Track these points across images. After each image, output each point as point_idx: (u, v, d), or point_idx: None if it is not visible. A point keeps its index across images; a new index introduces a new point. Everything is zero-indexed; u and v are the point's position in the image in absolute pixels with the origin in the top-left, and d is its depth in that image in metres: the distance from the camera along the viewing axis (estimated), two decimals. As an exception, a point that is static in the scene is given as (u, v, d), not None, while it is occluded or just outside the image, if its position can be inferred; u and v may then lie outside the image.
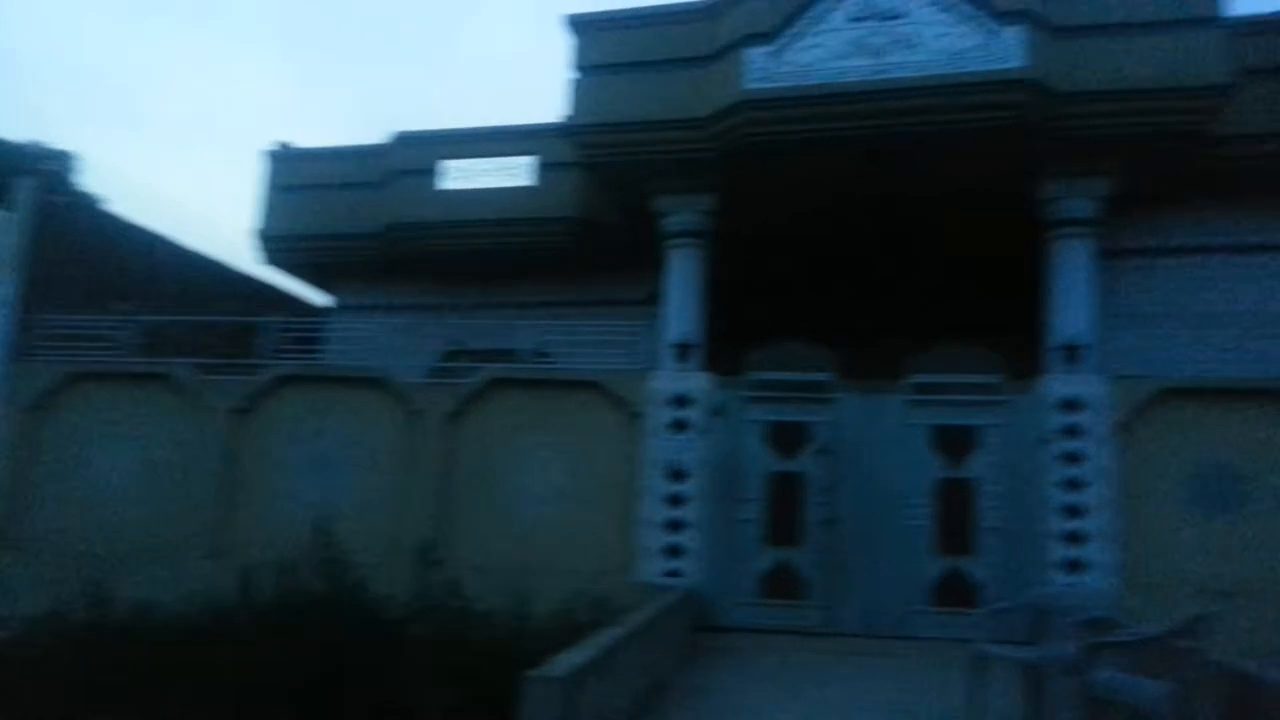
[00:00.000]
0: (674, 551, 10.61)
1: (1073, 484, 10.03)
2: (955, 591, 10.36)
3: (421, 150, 14.45)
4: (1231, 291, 11.53)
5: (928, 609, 10.37)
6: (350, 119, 63.27)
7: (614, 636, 6.46)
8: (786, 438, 11.04)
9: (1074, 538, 9.93)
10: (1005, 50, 10.10)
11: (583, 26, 11.84)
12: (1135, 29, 10.28)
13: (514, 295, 14.76)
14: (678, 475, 10.81)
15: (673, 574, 10.51)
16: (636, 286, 13.94)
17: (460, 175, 14.24)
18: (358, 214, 14.75)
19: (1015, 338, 11.09)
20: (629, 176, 11.86)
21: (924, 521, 10.57)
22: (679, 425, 10.98)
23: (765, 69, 10.67)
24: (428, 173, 14.34)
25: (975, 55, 10.18)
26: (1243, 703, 6.07)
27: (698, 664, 8.98)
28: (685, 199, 11.80)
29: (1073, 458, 10.09)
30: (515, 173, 14.00)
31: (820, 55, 10.58)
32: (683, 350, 11.32)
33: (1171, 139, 10.39)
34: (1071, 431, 10.15)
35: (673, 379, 11.22)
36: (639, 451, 11.01)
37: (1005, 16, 10.14)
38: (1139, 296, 11.69)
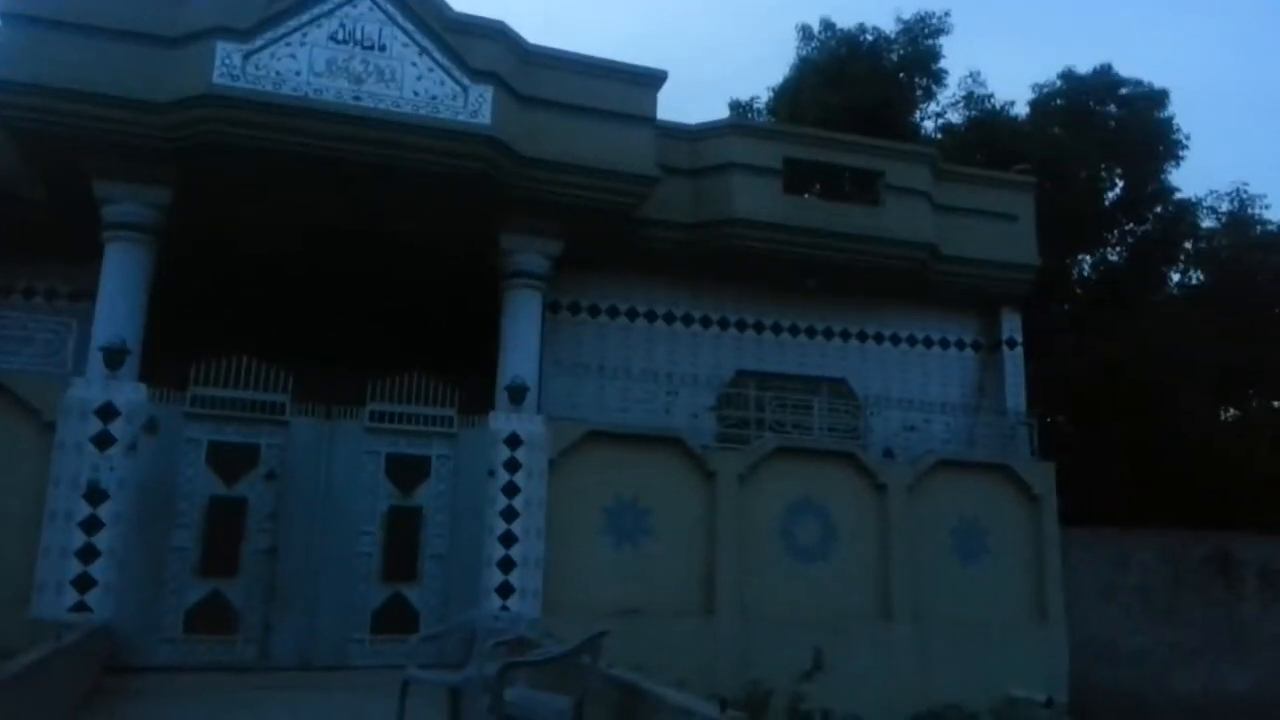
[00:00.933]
0: (85, 583, 9.40)
1: (511, 514, 10.91)
2: (397, 619, 10.58)
3: None
4: (648, 352, 13.54)
5: (368, 638, 10.45)
6: None
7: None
8: (231, 460, 10.44)
9: (508, 564, 10.78)
10: (476, 105, 10.82)
11: (17, -32, 10.12)
12: (586, 113, 11.68)
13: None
14: (96, 497, 9.62)
15: (82, 608, 9.30)
16: (64, 277, 12.15)
17: None
18: None
19: (473, 375, 11.77)
20: (63, 151, 10.35)
21: (371, 549, 10.67)
22: (102, 440, 9.80)
23: (236, 68, 10.13)
24: None
25: (449, 104, 10.75)
26: (631, 711, 7.07)
27: (100, 711, 7.98)
28: (132, 188, 10.62)
29: (512, 489, 10.98)
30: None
31: (297, 67, 10.34)
32: (114, 356, 10.11)
33: (608, 214, 11.92)
34: (513, 465, 11.05)
35: (99, 387, 10.00)
36: (49, 468, 9.59)
37: (478, 74, 10.88)
38: (576, 348, 13.19)
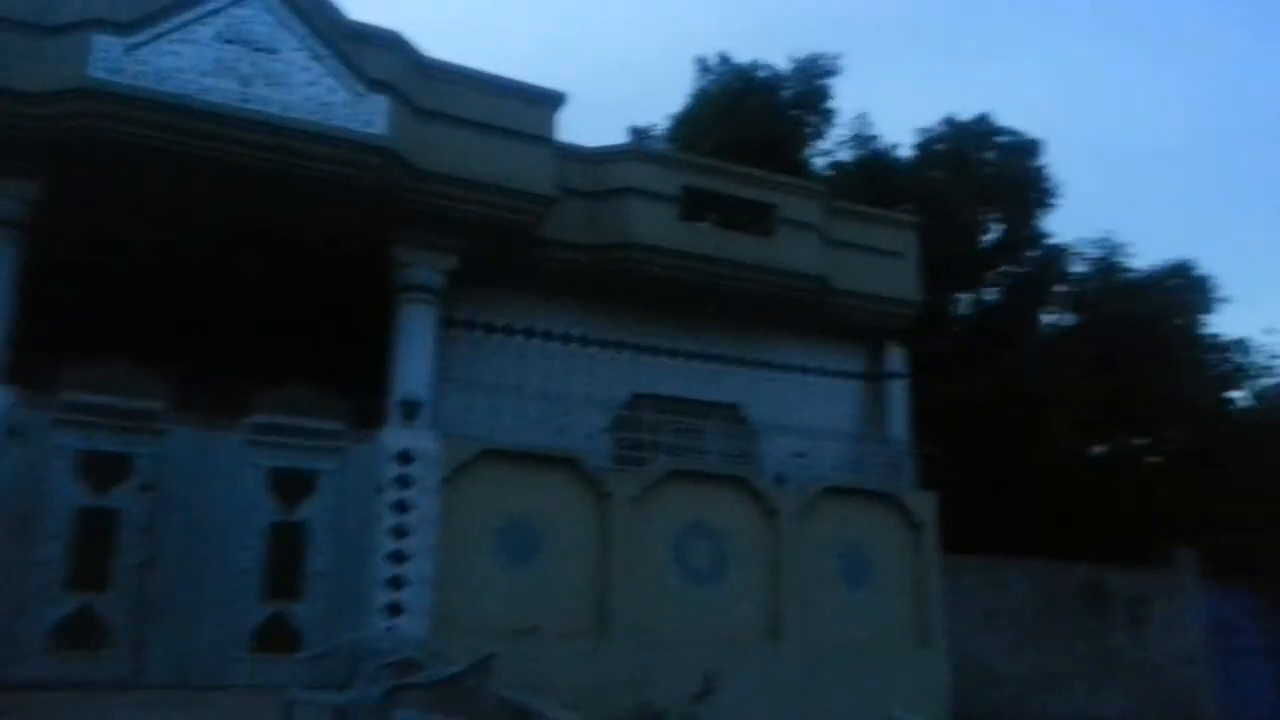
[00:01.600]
0: (-67, 599, 8.70)
1: (400, 532, 10.61)
2: (279, 637, 10.16)
3: None
4: (545, 371, 13.42)
5: (248, 655, 10.01)
6: None
7: None
8: (103, 469, 9.91)
9: (396, 582, 10.47)
10: (370, 114, 10.65)
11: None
12: (484, 129, 11.64)
13: None
14: (-51, 507, 8.94)
15: (-72, 626, 8.59)
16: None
17: None
18: None
19: (363, 388, 11.44)
20: (-77, 138, 9.72)
21: (252, 565, 10.25)
22: (-41, 446, 9.14)
23: (116, 61, 9.72)
24: None
25: (342, 111, 10.55)
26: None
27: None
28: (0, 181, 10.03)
29: (402, 506, 10.69)
30: None
31: (181, 65, 9.99)
32: (-25, 358, 9.47)
33: (504, 232, 11.86)
34: (403, 482, 10.77)
35: (-43, 391, 9.32)
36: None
37: (373, 84, 10.72)
38: (472, 365, 12.96)
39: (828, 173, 21.55)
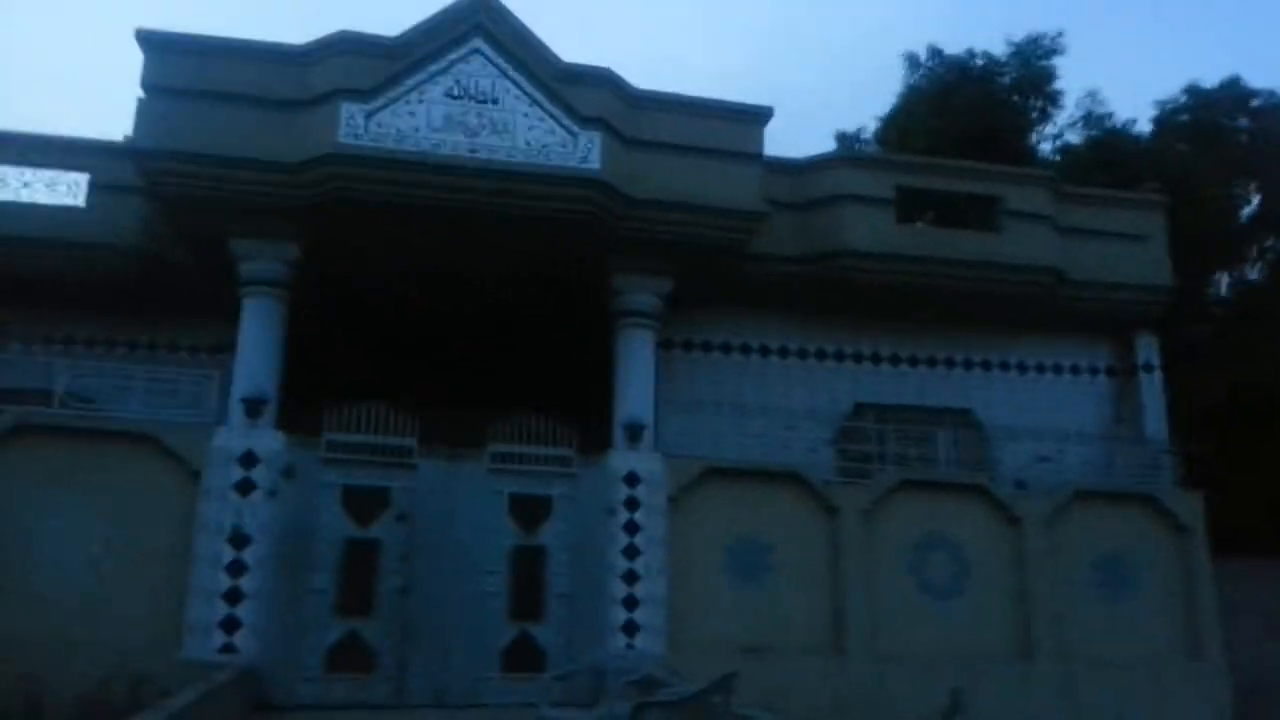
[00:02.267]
0: (231, 625, 9.79)
1: (632, 552, 10.91)
2: (525, 657, 10.66)
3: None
4: (763, 386, 13.41)
5: (498, 676, 10.55)
6: None
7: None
8: (363, 503, 10.76)
9: (630, 602, 10.75)
10: (585, 151, 11.06)
11: (157, 44, 10.89)
12: (692, 152, 11.77)
13: (53, 328, 12.79)
14: (239, 541, 10.03)
15: (228, 649, 9.68)
16: (205, 332, 12.87)
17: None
18: None
19: (588, 414, 11.87)
20: (202, 213, 11.00)
21: (498, 588, 10.80)
22: (244, 486, 10.25)
23: (360, 126, 10.64)
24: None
25: (559, 151, 11.03)
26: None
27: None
28: (266, 245, 11.19)
29: (633, 527, 10.99)
30: (66, 190, 12.26)
31: (416, 124, 10.80)
32: (253, 405, 10.60)
33: (716, 251, 11.94)
34: (632, 503, 11.06)
35: (240, 436, 10.47)
36: (196, 514, 10.07)
37: (586, 121, 11.14)
38: (690, 384, 13.15)
39: (1056, 158, 20.26)
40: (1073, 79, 28.42)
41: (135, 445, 10.18)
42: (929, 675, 11.18)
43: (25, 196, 12.12)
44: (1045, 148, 21.06)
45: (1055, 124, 21.15)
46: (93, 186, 12.26)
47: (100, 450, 10.12)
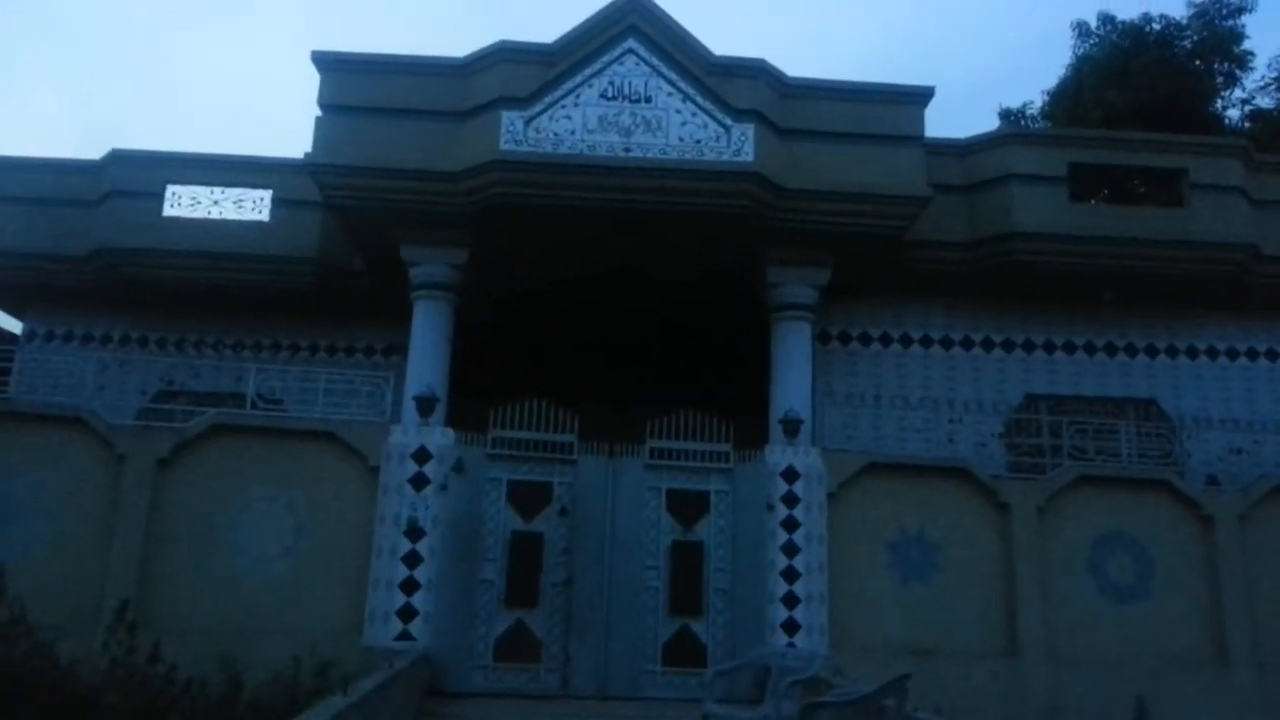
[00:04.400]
0: (408, 613, 10.26)
1: (791, 549, 10.79)
2: (685, 652, 10.73)
3: (141, 171, 13.27)
4: (925, 378, 13.00)
5: (659, 669, 10.67)
6: (72, 133, 55.99)
7: (336, 708, 6.09)
8: (528, 497, 11.07)
9: (790, 599, 10.65)
10: (738, 144, 10.98)
11: (331, 65, 11.51)
12: (849, 139, 11.49)
13: (243, 335, 13.88)
14: (415, 533, 10.52)
15: (406, 637, 10.15)
16: (380, 335, 13.59)
17: (189, 202, 13.23)
18: (62, 233, 13.26)
19: (745, 409, 11.82)
20: (375, 222, 11.56)
21: (658, 583, 10.92)
22: (418, 481, 10.72)
23: (519, 133, 10.93)
24: (149, 196, 13.19)
25: (713, 145, 10.99)
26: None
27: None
28: (434, 251, 11.64)
29: (791, 523, 10.87)
30: (251, 206, 13.20)
31: (572, 126, 11.00)
32: (425, 404, 11.08)
33: (876, 239, 11.62)
34: (790, 499, 10.95)
35: (414, 433, 10.94)
36: (375, 508, 10.62)
37: (739, 113, 11.06)
38: (848, 378, 12.89)
39: (1245, 125, 18.75)
40: (1263, 38, 26.28)
41: (319, 443, 10.80)
42: (1110, 681, 10.60)
43: (215, 214, 13.12)
44: (1233, 114, 19.57)
45: (1244, 88, 19.65)
46: (275, 202, 13.14)
47: (288, 448, 10.80)
